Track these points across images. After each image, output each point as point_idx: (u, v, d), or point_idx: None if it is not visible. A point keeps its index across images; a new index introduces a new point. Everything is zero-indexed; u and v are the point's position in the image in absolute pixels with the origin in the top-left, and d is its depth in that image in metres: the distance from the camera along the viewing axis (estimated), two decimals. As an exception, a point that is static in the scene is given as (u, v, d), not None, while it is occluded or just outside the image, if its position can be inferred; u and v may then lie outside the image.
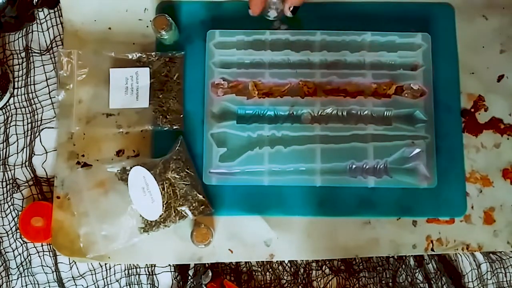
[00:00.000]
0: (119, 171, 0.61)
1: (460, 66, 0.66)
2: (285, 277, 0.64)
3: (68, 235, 0.62)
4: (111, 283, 0.63)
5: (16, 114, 0.66)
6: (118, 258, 0.62)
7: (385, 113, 0.63)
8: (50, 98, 0.66)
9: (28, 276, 0.63)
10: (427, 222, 0.63)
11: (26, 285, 0.63)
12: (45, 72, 0.67)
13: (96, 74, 0.64)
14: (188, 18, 0.66)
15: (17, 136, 0.66)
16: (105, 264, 0.63)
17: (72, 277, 0.63)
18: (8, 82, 0.65)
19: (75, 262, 0.63)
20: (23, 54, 0.67)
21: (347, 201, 0.62)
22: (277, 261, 0.64)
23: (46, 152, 0.65)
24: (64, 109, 0.64)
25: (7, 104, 0.66)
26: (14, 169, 0.65)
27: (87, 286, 0.63)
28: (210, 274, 0.62)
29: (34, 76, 0.67)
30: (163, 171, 0.61)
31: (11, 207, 0.64)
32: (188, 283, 0.63)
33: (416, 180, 0.61)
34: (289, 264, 0.64)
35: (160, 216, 0.60)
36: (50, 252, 0.64)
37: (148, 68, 0.64)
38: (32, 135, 0.66)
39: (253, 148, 0.62)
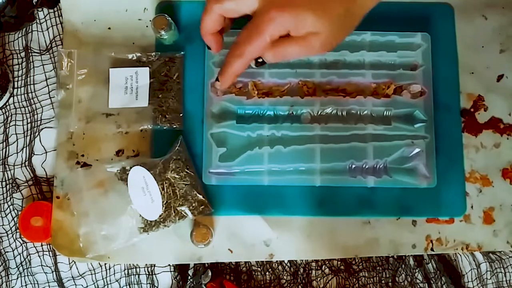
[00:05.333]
0: (118, 171, 0.61)
1: (460, 66, 0.66)
2: (284, 277, 0.64)
3: (67, 235, 0.62)
4: (110, 283, 0.63)
5: (15, 114, 0.66)
6: (117, 258, 0.62)
7: (385, 113, 0.63)
8: (50, 98, 0.66)
9: (27, 276, 0.63)
10: (427, 222, 0.63)
11: (25, 285, 0.63)
12: (44, 72, 0.67)
13: (95, 74, 0.64)
14: (188, 18, 0.66)
15: (16, 136, 0.66)
16: (105, 264, 0.63)
17: (72, 277, 0.63)
18: (7, 82, 0.65)
19: (74, 262, 0.63)
20: (22, 54, 0.67)
21: (347, 201, 0.62)
22: (276, 261, 0.64)
23: (46, 152, 0.65)
24: (63, 109, 0.64)
25: (7, 104, 0.66)
26: (14, 169, 0.65)
27: (87, 286, 0.63)
28: (210, 274, 0.62)
29: (33, 76, 0.67)
30: (163, 171, 0.61)
31: (11, 207, 0.64)
32: (188, 283, 0.63)
33: (415, 180, 0.62)
34: (288, 264, 0.64)
35: (159, 216, 0.60)
36: (50, 252, 0.64)
37: (147, 68, 0.64)
38: (32, 135, 0.66)
39: (252, 148, 0.62)
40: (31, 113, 0.66)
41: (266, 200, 0.62)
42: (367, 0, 0.51)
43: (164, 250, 0.62)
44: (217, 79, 0.54)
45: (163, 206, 0.60)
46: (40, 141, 0.65)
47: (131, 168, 0.60)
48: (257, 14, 0.50)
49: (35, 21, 0.68)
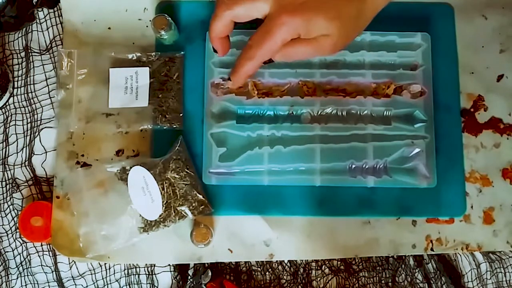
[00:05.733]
0: (118, 171, 0.61)
1: (460, 66, 0.66)
2: (284, 277, 0.64)
3: (67, 235, 0.62)
4: (110, 283, 0.63)
5: (15, 113, 0.66)
6: (117, 258, 0.62)
7: (385, 113, 0.63)
8: (50, 97, 0.66)
9: (27, 275, 0.63)
10: (427, 222, 0.63)
11: (25, 285, 0.63)
12: (44, 72, 0.67)
13: (95, 73, 0.64)
14: (188, 18, 0.66)
15: (16, 136, 0.66)
16: (105, 264, 0.63)
17: (72, 277, 0.63)
18: (7, 82, 0.65)
19: (74, 262, 0.63)
20: (22, 54, 0.67)
21: (347, 201, 0.62)
22: (276, 261, 0.64)
23: (46, 152, 0.65)
24: (63, 109, 0.64)
25: (7, 103, 0.66)
26: (14, 168, 0.65)
27: (87, 286, 0.63)
28: (210, 274, 0.62)
29: (33, 75, 0.67)
30: (163, 171, 0.61)
31: (11, 206, 0.64)
32: (188, 283, 0.63)
33: (415, 179, 0.62)
34: (288, 264, 0.64)
35: (159, 216, 0.60)
36: (50, 252, 0.64)
37: (147, 68, 0.64)
38: (32, 135, 0.66)
39: (252, 148, 0.62)
40: (31, 113, 0.66)
41: (266, 200, 0.62)
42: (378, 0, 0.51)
43: (164, 250, 0.62)
44: (228, 79, 0.54)
45: (163, 206, 0.60)
46: (40, 141, 0.65)
47: (131, 168, 0.60)
48: (268, 18, 0.49)
49: (35, 21, 0.68)
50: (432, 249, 0.62)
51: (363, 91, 0.64)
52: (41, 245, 0.64)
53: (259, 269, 0.64)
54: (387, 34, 0.64)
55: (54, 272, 0.63)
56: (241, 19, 0.52)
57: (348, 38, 0.51)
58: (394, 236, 0.63)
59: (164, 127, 0.63)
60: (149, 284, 0.63)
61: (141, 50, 0.65)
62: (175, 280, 0.63)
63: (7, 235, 0.64)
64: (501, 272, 0.64)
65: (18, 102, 0.66)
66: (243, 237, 0.62)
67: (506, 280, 0.64)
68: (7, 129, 0.66)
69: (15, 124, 0.66)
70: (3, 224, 0.64)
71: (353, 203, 0.62)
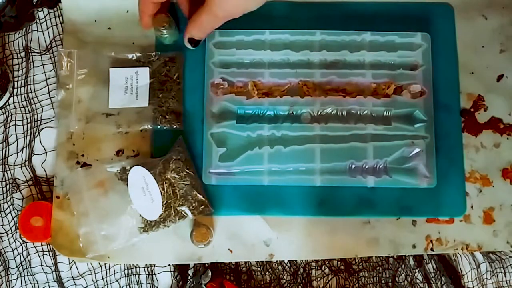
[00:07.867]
0: (118, 171, 0.61)
1: (460, 66, 0.66)
2: (284, 277, 0.64)
3: (67, 235, 0.62)
4: (110, 283, 0.63)
5: (15, 113, 0.66)
6: (117, 258, 0.62)
7: (385, 113, 0.63)
8: (50, 97, 0.66)
9: (27, 276, 0.63)
10: (427, 222, 0.63)
11: (25, 285, 0.63)
12: (44, 72, 0.67)
13: (95, 73, 0.64)
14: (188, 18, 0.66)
15: (16, 136, 0.66)
16: (105, 264, 0.63)
17: (72, 277, 0.63)
18: (7, 82, 0.65)
19: (74, 262, 0.63)
20: (22, 54, 0.67)
21: (347, 201, 0.62)
22: (276, 261, 0.64)
23: (46, 152, 0.65)
24: (63, 109, 0.64)
25: (7, 103, 0.66)
26: (14, 168, 0.65)
27: (87, 286, 0.63)
28: (210, 274, 0.62)
29: (33, 75, 0.67)
30: (163, 171, 0.60)
31: (11, 206, 0.64)
32: (188, 283, 0.63)
33: (415, 180, 0.62)
34: (288, 264, 0.64)
35: (159, 216, 0.60)
36: (50, 252, 0.64)
37: (147, 68, 0.64)
38: (32, 135, 0.66)
39: (252, 148, 0.62)
40: (31, 113, 0.66)
41: (266, 200, 0.62)
42: None
43: (164, 250, 0.62)
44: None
45: (163, 206, 0.60)
46: (40, 141, 0.65)
47: (131, 168, 0.60)
48: None
49: (35, 21, 0.68)
50: (432, 249, 0.62)
51: (363, 91, 0.64)
52: (41, 245, 0.64)
53: (259, 269, 0.64)
54: (387, 34, 0.64)
55: (54, 272, 0.63)
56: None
57: None
58: (394, 236, 0.63)
59: (164, 127, 0.63)
60: (149, 284, 0.63)
61: (141, 50, 0.65)
62: (175, 280, 0.63)
63: (7, 235, 0.64)
64: (501, 272, 0.64)
65: (18, 102, 0.66)
66: (243, 237, 0.62)
67: (506, 280, 0.64)
68: (7, 129, 0.66)
69: (15, 124, 0.66)
70: (3, 224, 0.64)
71: (353, 203, 0.62)
